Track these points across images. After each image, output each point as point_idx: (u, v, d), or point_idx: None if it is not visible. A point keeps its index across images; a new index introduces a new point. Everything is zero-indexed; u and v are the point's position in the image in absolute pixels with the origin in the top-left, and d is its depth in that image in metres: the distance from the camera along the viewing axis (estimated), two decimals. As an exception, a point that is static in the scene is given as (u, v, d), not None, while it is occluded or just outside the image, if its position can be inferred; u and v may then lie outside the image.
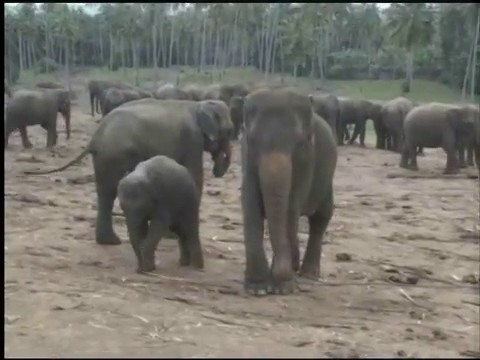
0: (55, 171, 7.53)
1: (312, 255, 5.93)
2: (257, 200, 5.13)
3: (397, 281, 5.81)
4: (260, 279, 5.18)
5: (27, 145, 15.17)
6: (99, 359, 3.22)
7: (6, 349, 3.19)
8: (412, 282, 5.78)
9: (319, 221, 5.99)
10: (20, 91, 15.99)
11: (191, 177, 5.94)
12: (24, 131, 15.41)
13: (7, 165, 11.79)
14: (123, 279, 5.21)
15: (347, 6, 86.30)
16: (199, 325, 3.91)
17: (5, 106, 14.87)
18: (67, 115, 17.19)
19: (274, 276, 5.07)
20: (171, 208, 5.63)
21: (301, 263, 5.97)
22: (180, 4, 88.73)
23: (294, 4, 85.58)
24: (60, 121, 16.54)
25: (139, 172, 5.59)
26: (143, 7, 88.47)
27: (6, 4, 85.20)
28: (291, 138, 4.88)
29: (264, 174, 4.91)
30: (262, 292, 5.11)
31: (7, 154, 13.31)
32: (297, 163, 5.01)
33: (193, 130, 6.96)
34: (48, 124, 15.54)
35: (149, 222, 5.69)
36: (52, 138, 15.67)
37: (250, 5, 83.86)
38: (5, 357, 3.15)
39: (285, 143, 4.86)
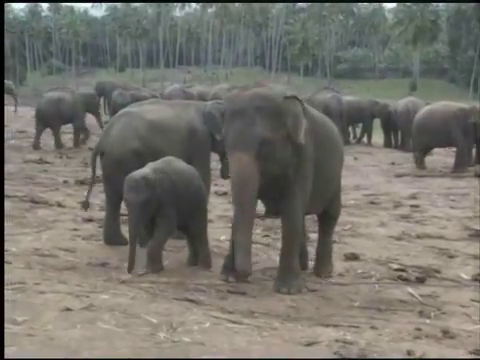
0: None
1: (323, 254, 5.95)
2: None
3: (405, 280, 5.80)
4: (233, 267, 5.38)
5: (36, 147, 15.29)
6: (103, 359, 3.23)
7: (15, 350, 3.20)
8: (420, 281, 5.78)
9: (327, 220, 6.01)
10: (50, 93, 16.34)
11: (200, 177, 5.95)
12: (40, 133, 15.58)
13: (14, 166, 11.84)
14: (127, 278, 5.22)
15: (353, 5, 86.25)
16: (207, 325, 3.91)
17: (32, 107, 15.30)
18: (97, 116, 17.94)
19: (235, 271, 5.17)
20: (179, 208, 5.63)
21: (310, 262, 5.98)
22: (186, 5, 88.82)
23: (300, 4, 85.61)
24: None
25: (145, 169, 5.62)
26: (149, 8, 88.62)
27: (13, 6, 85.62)
28: (251, 138, 4.93)
29: (231, 173, 5.10)
30: (232, 279, 5.33)
31: (15, 155, 13.38)
32: (281, 162, 5.07)
33: (200, 130, 6.96)
34: (73, 124, 15.92)
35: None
36: (77, 138, 15.95)
37: (256, 5, 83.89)
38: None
39: (245, 143, 4.93)
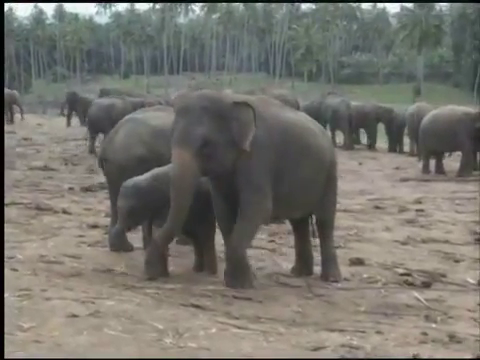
0: None
1: (328, 259, 5.94)
2: (222, 205, 5.45)
3: (411, 285, 5.79)
4: (237, 275, 5.43)
5: (92, 151, 15.52)
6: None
7: (23, 356, 3.21)
8: (426, 285, 5.77)
9: (322, 225, 5.99)
10: (101, 99, 16.83)
11: (208, 183, 5.97)
12: (94, 139, 15.94)
13: (20, 174, 11.87)
14: (133, 284, 5.23)
15: (357, 10, 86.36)
16: (213, 331, 3.92)
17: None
18: None
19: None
20: (187, 214, 5.62)
21: (316, 267, 5.99)
22: (190, 11, 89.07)
23: (304, 9, 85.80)
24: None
25: (142, 176, 5.64)
26: (153, 14, 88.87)
27: (17, 14, 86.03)
28: (193, 137, 5.08)
29: (171, 169, 5.24)
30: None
31: (20, 162, 13.42)
32: (224, 164, 5.17)
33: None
34: None
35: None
36: None
37: (260, 11, 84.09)
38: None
39: (187, 141, 5.09)
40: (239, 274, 5.37)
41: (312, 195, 5.77)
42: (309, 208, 5.87)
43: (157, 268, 5.57)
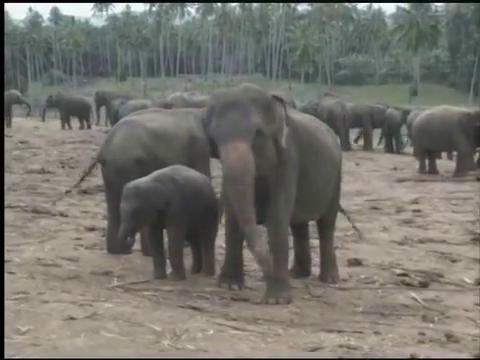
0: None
1: (327, 260, 5.92)
2: None
3: (408, 285, 5.79)
4: (234, 275, 5.41)
5: None
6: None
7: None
8: (423, 285, 5.77)
9: (325, 226, 5.97)
10: (133, 101, 17.57)
11: (211, 185, 5.99)
12: None
13: (17, 177, 11.86)
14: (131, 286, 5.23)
15: (353, 11, 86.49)
16: (211, 332, 3.92)
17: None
18: None
19: (256, 260, 5.11)
20: (190, 216, 5.63)
21: (313, 268, 5.99)
22: (186, 13, 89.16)
23: (300, 10, 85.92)
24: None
25: (145, 178, 5.64)
26: (149, 17, 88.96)
27: (13, 17, 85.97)
28: (247, 127, 4.82)
29: (224, 166, 4.87)
30: (235, 287, 5.34)
31: (17, 166, 13.39)
32: (267, 162, 5.00)
33: (199, 138, 6.92)
34: None
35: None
36: None
37: (256, 12, 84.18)
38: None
39: (242, 132, 4.79)
40: (283, 287, 5.17)
41: (327, 195, 5.75)
42: (324, 209, 5.80)
43: (181, 272, 5.68)
